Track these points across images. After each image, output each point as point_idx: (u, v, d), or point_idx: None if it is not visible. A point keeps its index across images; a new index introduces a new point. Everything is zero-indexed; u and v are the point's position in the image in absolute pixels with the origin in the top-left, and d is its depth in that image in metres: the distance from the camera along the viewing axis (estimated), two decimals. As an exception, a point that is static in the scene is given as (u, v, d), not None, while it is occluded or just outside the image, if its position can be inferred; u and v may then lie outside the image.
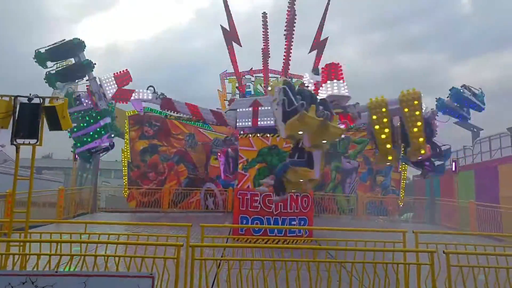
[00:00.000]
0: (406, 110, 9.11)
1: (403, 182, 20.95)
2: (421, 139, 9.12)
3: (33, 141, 6.16)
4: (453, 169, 18.92)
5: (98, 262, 5.77)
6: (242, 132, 12.77)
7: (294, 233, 11.36)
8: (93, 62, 10.56)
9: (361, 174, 20.57)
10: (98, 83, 10.78)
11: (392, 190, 20.77)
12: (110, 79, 11.11)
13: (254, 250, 6.36)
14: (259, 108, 12.09)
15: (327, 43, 13.27)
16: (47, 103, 6.20)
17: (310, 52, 13.11)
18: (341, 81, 9.53)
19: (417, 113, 9.07)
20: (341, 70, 9.78)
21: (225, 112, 12.76)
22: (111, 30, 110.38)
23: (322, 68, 9.80)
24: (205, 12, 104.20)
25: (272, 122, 12.01)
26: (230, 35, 12.97)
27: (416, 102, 9.07)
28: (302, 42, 13.64)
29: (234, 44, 13.25)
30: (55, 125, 6.25)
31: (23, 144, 6.18)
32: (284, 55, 12.82)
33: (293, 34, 12.28)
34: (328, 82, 9.36)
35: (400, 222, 20.39)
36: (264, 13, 13.94)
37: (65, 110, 6.32)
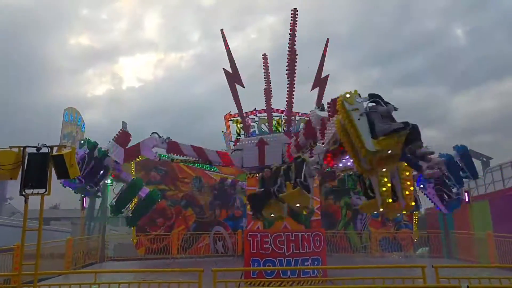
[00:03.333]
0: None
1: (415, 216, 20.53)
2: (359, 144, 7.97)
3: (41, 190, 6.17)
4: (466, 200, 18.55)
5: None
6: (249, 173, 12.72)
7: (308, 274, 11.03)
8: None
9: (371, 209, 20.22)
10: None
11: (404, 224, 20.32)
12: (114, 148, 11.33)
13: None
14: (265, 147, 12.11)
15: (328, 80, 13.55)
16: (55, 152, 6.26)
17: (312, 89, 13.34)
18: None
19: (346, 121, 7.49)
20: None
21: (231, 153, 12.79)
22: (114, 79, 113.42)
23: (328, 103, 9.85)
24: (205, 58, 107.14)
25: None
26: (233, 77, 13.24)
27: (343, 110, 7.97)
28: (304, 80, 13.90)
29: (237, 85, 13.49)
30: (63, 174, 6.29)
31: (32, 194, 6.17)
32: (287, 94, 13.00)
33: (295, 73, 12.51)
34: (335, 116, 9.38)
35: (416, 258, 19.80)
36: (265, 55, 14.31)
37: (72, 158, 6.37)
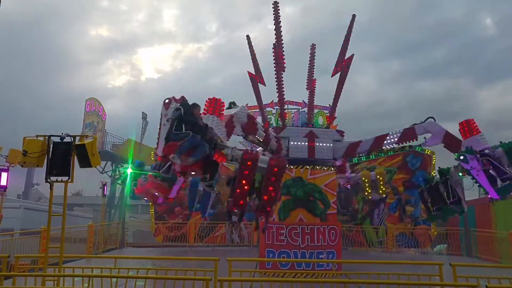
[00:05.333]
0: None
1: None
2: None
3: (65, 178, 6.41)
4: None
5: (128, 297, 5.80)
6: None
7: (322, 266, 11.09)
8: None
9: (389, 204, 20.04)
10: None
11: (422, 220, 20.07)
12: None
13: (283, 284, 6.25)
14: (315, 139, 12.14)
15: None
16: (77, 142, 6.47)
17: (333, 75, 12.67)
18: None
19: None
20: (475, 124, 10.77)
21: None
22: (133, 70, 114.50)
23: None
24: (222, 49, 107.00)
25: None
26: (256, 77, 12.80)
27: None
28: (322, 71, 13.72)
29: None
30: (85, 162, 6.50)
31: (56, 181, 6.42)
32: (306, 87, 12.82)
33: (314, 65, 12.35)
34: None
35: (433, 255, 19.59)
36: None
37: (94, 147, 6.57)
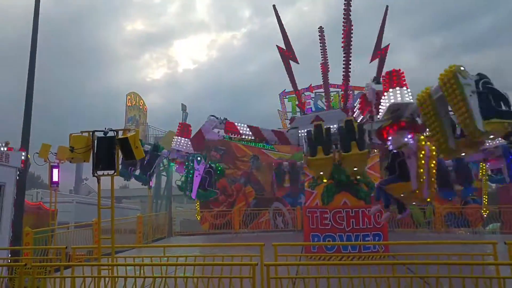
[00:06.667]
0: (446, 94, 6.99)
1: (485, 190, 19.33)
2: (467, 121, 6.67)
3: (111, 172, 6.62)
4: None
5: (178, 283, 5.98)
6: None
7: (369, 249, 10.93)
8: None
9: (436, 183, 19.35)
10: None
11: (472, 199, 19.25)
12: (181, 142, 12.90)
13: (329, 268, 6.22)
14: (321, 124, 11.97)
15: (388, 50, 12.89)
16: (120, 135, 6.65)
17: (371, 61, 12.76)
18: (404, 88, 9.06)
19: (457, 92, 6.76)
20: (404, 76, 9.35)
21: (287, 131, 12.79)
22: (170, 62, 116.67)
23: (382, 76, 9.45)
24: (256, 35, 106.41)
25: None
26: (287, 54, 13.03)
27: (452, 81, 6.85)
28: (362, 52, 13.41)
29: (291, 62, 13.27)
30: (129, 155, 6.67)
31: (103, 175, 6.65)
32: (343, 68, 12.66)
33: (351, 45, 12.10)
34: (391, 90, 8.99)
35: (486, 234, 18.80)
36: (321, 28, 13.90)
37: (137, 140, 6.73)
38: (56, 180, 14.63)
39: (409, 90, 8.90)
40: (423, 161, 7.80)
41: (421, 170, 7.80)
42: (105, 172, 6.60)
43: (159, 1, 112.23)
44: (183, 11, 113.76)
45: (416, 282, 5.31)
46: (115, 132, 6.61)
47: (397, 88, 8.89)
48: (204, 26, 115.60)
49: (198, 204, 20.44)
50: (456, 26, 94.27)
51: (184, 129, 13.24)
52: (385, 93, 8.80)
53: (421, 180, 7.81)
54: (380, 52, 12.72)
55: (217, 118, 12.30)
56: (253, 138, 12.83)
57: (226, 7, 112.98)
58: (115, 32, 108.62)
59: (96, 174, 6.62)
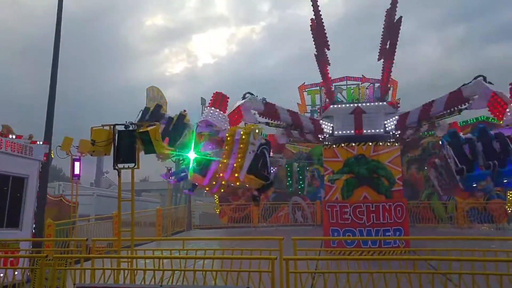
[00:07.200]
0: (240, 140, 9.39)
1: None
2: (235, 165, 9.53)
3: (131, 165, 6.68)
4: None
5: (197, 276, 6.01)
6: (326, 143, 12.54)
7: (389, 244, 10.79)
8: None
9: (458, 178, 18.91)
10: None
11: (496, 194, 18.75)
12: (214, 114, 10.87)
13: (349, 263, 6.15)
14: (363, 115, 11.77)
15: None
16: (141, 129, 6.70)
17: (378, 60, 12.25)
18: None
19: (243, 145, 9.37)
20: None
21: (321, 120, 12.51)
22: (189, 56, 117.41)
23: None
24: (276, 29, 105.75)
25: (374, 131, 11.76)
26: (320, 39, 11.97)
27: (244, 136, 9.29)
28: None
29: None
30: (150, 149, 6.73)
31: (123, 168, 6.72)
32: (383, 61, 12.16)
33: (398, 35, 11.52)
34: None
35: (510, 230, 18.32)
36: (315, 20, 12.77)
37: (157, 134, 6.77)
38: (78, 173, 14.92)
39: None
40: None
41: None
42: (126, 165, 6.67)
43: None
44: (202, 6, 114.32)
45: (438, 278, 5.20)
46: (135, 126, 6.67)
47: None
48: (223, 20, 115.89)
49: (217, 198, 20.57)
50: (479, 16, 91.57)
51: (219, 100, 11.08)
52: None
53: None
54: (392, 27, 11.80)
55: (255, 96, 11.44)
56: (288, 125, 12.33)
57: (245, 1, 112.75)
58: (135, 28, 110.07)
59: (116, 167, 6.69)
